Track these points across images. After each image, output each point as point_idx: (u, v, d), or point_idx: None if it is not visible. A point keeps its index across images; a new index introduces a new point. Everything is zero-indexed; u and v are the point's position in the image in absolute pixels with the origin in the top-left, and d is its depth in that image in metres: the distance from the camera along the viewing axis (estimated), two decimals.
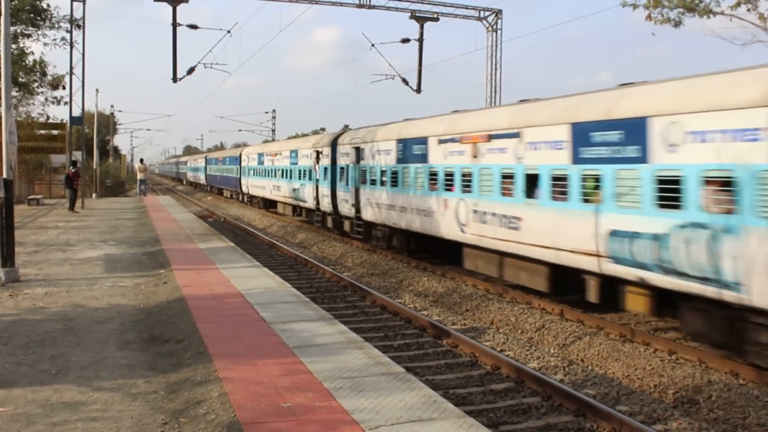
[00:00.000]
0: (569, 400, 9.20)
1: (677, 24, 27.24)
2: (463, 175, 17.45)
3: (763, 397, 9.55)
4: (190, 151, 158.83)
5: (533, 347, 12.53)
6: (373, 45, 38.75)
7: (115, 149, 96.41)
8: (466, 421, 6.31)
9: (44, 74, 32.90)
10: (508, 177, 15.46)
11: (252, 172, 46.42)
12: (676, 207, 10.91)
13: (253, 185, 46.15)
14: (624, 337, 12.44)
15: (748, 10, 25.69)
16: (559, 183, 13.70)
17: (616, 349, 11.85)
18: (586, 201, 12.99)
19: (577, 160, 13.21)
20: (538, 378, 9.97)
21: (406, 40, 38.86)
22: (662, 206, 11.18)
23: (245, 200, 51.07)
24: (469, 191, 17.11)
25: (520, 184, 14.93)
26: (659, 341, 11.93)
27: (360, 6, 36.85)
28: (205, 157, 74.54)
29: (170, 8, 34.22)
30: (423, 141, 19.79)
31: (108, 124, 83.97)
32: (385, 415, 6.38)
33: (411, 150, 20.54)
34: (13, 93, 24.74)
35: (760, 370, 10.23)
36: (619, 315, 13.90)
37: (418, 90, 40.07)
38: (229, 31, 36.68)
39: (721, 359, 10.81)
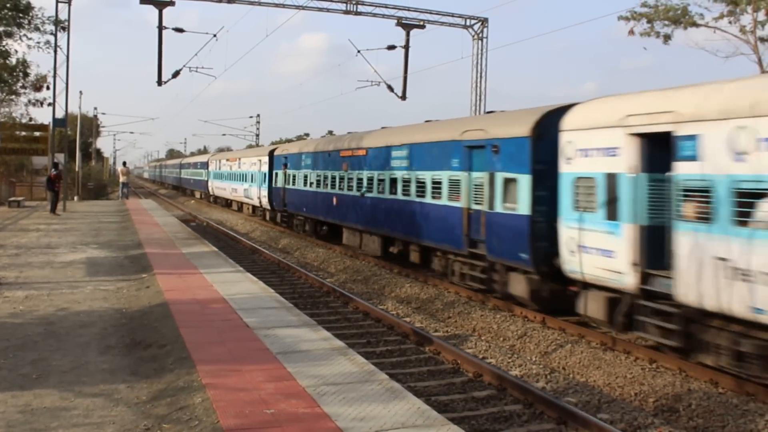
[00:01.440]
0: (551, 407, 9.26)
1: (667, 38, 27.56)
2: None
3: (741, 405, 9.65)
4: (173, 154, 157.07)
5: (515, 355, 12.58)
6: (359, 51, 38.86)
7: (98, 152, 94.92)
8: (450, 428, 6.34)
9: (26, 75, 32.62)
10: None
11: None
12: None
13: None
14: (605, 346, 12.52)
15: (730, 22, 26.05)
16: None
17: (598, 357, 11.92)
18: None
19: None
20: (519, 386, 10.02)
21: (392, 47, 38.95)
22: None
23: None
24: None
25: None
26: (640, 350, 12.02)
27: (347, 12, 36.96)
28: (270, 154, 36.84)
29: (157, 11, 34.17)
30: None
31: (91, 126, 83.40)
32: (369, 422, 6.39)
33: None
34: None
35: (738, 379, 10.34)
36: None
37: (403, 97, 40.18)
38: (215, 35, 36.67)
39: (703, 368, 10.92)
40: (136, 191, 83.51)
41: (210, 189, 57.75)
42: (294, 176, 31.66)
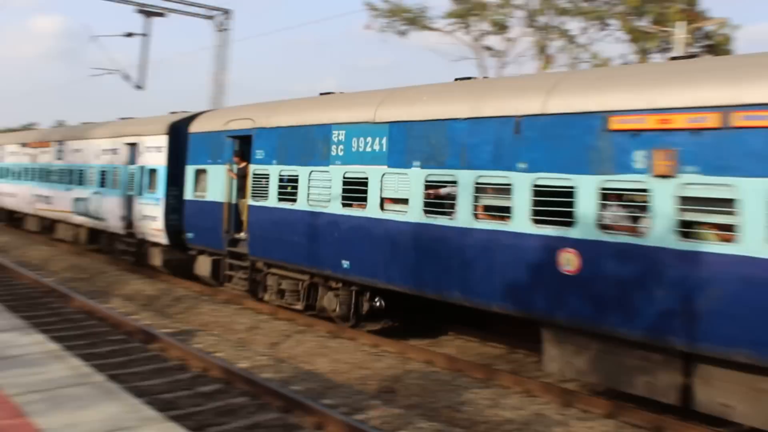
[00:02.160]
0: (276, 397, 9.44)
1: (402, 33, 29.18)
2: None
3: (452, 381, 10.59)
4: None
5: (244, 347, 12.65)
6: (94, 37, 36.57)
7: None
8: (169, 426, 6.24)
9: None
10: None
11: None
12: None
13: None
14: (332, 334, 13.02)
15: (465, 33, 28.31)
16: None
17: (324, 345, 12.37)
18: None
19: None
20: (246, 378, 10.10)
21: (130, 34, 37.09)
22: None
23: None
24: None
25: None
26: (365, 336, 12.66)
27: None
28: (172, 130, 18.53)
29: None
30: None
31: None
32: (79, 428, 6.09)
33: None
34: None
35: (451, 358, 11.29)
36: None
37: (141, 86, 38.47)
38: None
39: (420, 349, 11.77)
40: None
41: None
42: (308, 182, 13.29)
